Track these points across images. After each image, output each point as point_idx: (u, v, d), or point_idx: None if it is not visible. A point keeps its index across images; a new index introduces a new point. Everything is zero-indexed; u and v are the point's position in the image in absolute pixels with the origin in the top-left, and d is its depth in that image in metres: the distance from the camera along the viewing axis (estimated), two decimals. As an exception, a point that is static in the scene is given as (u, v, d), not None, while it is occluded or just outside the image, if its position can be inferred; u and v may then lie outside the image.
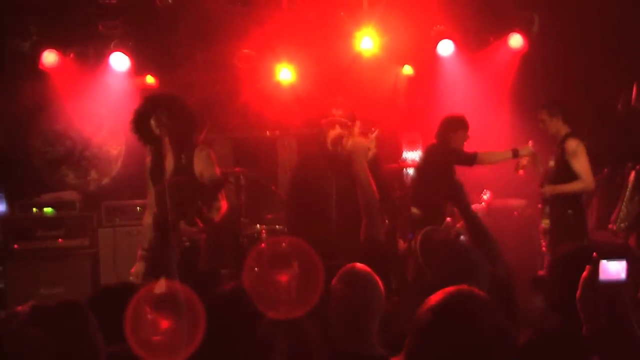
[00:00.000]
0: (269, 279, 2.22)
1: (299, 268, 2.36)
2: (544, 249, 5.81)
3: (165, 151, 4.42)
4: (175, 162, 4.53)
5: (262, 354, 2.16)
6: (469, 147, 5.85)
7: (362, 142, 3.56)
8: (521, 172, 5.77)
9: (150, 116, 4.40)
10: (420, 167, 5.88)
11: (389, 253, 3.98)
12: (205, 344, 2.23)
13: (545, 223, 5.74)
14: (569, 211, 5.54)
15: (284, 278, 2.24)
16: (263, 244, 2.45)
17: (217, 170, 4.61)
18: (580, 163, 5.53)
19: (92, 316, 2.48)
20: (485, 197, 5.97)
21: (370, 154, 3.69)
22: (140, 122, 4.44)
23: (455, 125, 5.78)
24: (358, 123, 3.64)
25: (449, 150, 5.67)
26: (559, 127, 5.67)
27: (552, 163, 5.79)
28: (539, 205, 5.84)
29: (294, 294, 2.21)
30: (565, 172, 5.58)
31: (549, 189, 5.63)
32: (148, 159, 4.69)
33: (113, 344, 2.63)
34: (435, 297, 1.78)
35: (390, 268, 3.34)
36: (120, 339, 2.77)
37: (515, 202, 7.00)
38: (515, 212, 6.93)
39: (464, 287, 1.81)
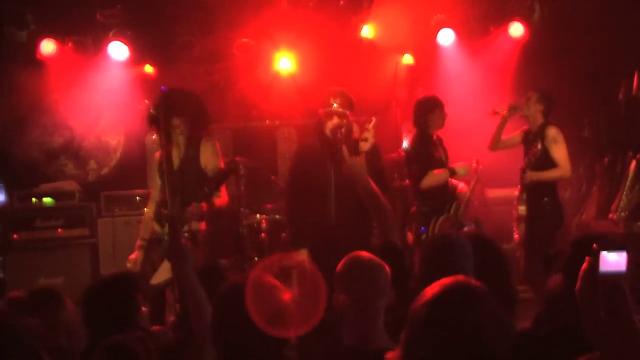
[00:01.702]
0: (271, 296, 2.19)
1: (302, 288, 2.35)
2: (516, 236, 5.76)
3: (174, 144, 4.46)
4: (184, 153, 4.59)
5: (274, 349, 2.15)
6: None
7: (358, 162, 3.56)
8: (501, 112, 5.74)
9: (167, 112, 4.40)
10: (408, 163, 5.78)
11: (405, 254, 3.98)
12: (216, 336, 2.22)
13: (521, 210, 5.69)
14: (545, 199, 5.53)
15: (286, 297, 2.22)
16: (269, 260, 2.42)
17: (221, 163, 4.64)
18: (560, 150, 5.52)
19: (69, 300, 2.56)
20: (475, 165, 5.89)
21: (369, 144, 3.67)
22: (157, 119, 4.40)
23: (430, 106, 5.65)
24: (374, 119, 3.65)
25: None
26: (537, 114, 5.63)
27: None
28: (517, 191, 5.79)
29: (295, 313, 2.19)
30: (546, 159, 5.56)
31: (531, 175, 5.60)
32: (158, 153, 4.72)
33: (111, 333, 2.63)
34: (432, 289, 1.76)
35: (406, 268, 3.31)
36: (118, 329, 2.77)
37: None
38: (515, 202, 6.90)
39: (461, 277, 1.79)
